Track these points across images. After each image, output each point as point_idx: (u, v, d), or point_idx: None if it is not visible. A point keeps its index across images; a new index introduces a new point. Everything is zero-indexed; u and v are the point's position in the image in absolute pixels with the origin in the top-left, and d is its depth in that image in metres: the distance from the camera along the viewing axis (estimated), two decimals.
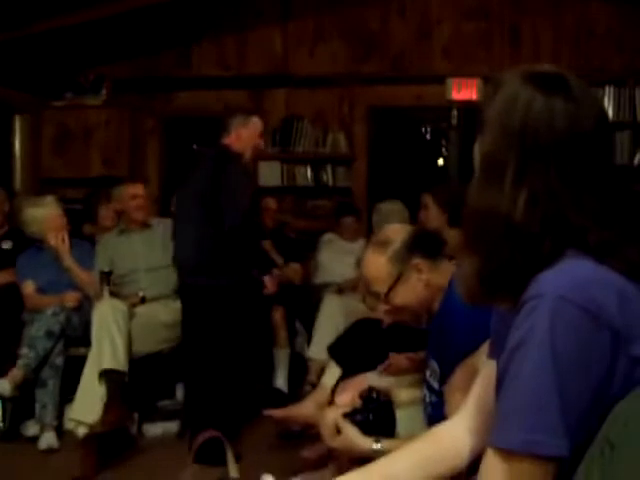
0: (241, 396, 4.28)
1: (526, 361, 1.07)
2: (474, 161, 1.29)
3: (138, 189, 4.77)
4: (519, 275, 1.16)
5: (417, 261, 2.32)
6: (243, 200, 4.02)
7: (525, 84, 1.22)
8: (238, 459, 3.01)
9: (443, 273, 2.31)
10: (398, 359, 2.89)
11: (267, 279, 4.42)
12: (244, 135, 4.25)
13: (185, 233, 4.20)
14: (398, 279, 2.33)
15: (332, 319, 4.62)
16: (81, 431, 4.02)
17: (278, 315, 5.04)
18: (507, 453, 1.08)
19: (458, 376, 2.04)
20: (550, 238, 1.16)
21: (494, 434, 1.11)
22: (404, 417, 2.50)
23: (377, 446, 1.97)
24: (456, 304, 2.06)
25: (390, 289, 2.34)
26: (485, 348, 1.86)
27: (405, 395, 2.60)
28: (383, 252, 2.35)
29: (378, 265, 2.36)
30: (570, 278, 1.10)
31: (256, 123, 4.33)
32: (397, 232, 2.42)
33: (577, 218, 1.16)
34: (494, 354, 1.39)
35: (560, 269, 1.12)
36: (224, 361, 4.06)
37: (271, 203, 5.63)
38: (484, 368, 1.46)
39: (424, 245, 2.37)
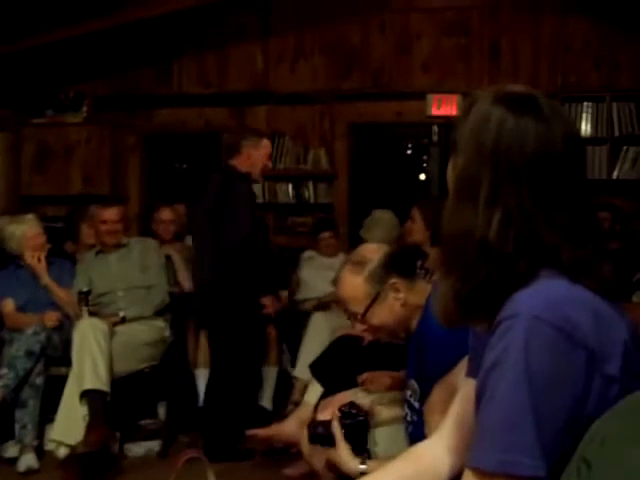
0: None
1: (501, 381, 1.08)
2: (448, 181, 1.30)
3: (109, 214, 4.67)
4: (495, 295, 1.17)
5: (394, 280, 2.32)
6: (244, 222, 4.13)
7: (497, 104, 1.23)
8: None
9: (420, 292, 2.32)
10: (379, 375, 2.89)
11: (266, 300, 4.45)
12: (254, 156, 4.38)
13: (197, 251, 4.45)
14: (375, 299, 2.33)
15: (318, 338, 4.59)
16: (62, 452, 3.99)
17: (272, 334, 5.02)
18: (483, 473, 1.07)
19: (436, 395, 2.04)
20: (524, 258, 1.16)
21: (471, 454, 1.11)
22: (385, 435, 2.49)
23: (363, 467, 1.96)
24: (433, 322, 2.06)
25: (367, 309, 2.34)
26: (463, 365, 1.87)
27: (386, 413, 2.59)
28: (359, 272, 2.35)
29: (355, 285, 2.35)
30: (544, 298, 1.11)
31: (267, 145, 4.51)
32: (373, 251, 2.42)
33: (550, 237, 1.17)
34: (472, 372, 1.39)
35: (534, 289, 1.13)
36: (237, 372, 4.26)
37: None
38: (463, 386, 1.46)
39: (401, 264, 2.37)
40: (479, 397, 1.13)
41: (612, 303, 1.14)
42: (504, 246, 1.16)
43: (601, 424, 0.94)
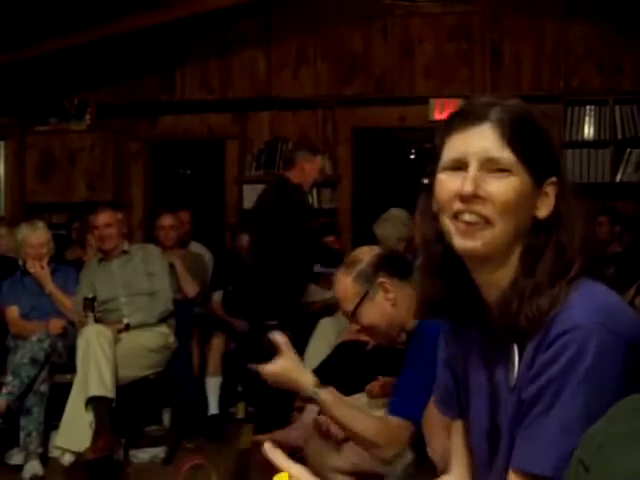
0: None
1: (565, 391, 1.11)
2: (509, 207, 1.24)
3: (99, 219, 4.64)
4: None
5: (382, 280, 2.35)
6: (297, 230, 4.53)
7: (536, 115, 1.25)
8: None
9: (411, 293, 2.33)
10: (388, 383, 2.90)
11: None
12: (307, 169, 4.71)
13: (253, 260, 4.81)
14: (364, 298, 2.36)
15: (324, 344, 4.59)
16: (67, 459, 3.99)
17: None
18: (535, 477, 1.13)
19: (434, 410, 2.04)
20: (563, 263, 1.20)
21: (525, 458, 1.15)
22: None
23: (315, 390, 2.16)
24: (431, 324, 2.10)
25: (356, 308, 2.37)
26: None
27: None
28: (350, 272, 2.39)
29: (345, 284, 2.39)
30: (598, 306, 1.14)
31: (319, 161, 4.89)
32: (365, 253, 2.45)
33: (576, 243, 1.21)
34: (452, 411, 1.43)
35: (583, 299, 1.15)
36: None
37: None
38: (455, 432, 1.46)
39: (391, 265, 2.40)
40: (532, 403, 1.16)
41: None
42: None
43: (598, 427, 0.95)
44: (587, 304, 1.14)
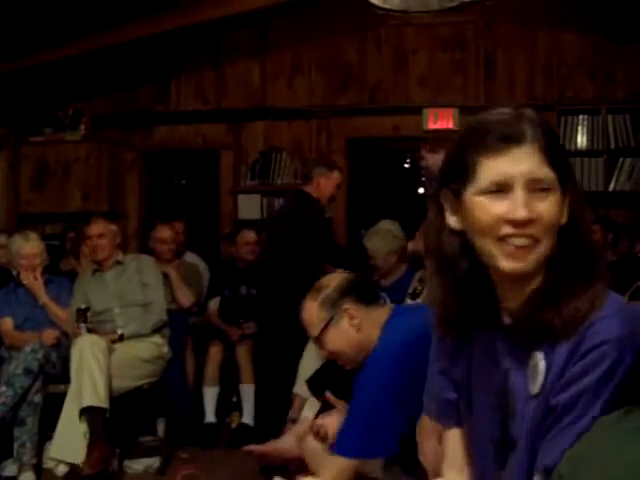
0: None
1: (597, 401, 1.13)
2: (542, 222, 1.26)
3: (91, 230, 4.66)
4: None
5: (347, 306, 2.37)
6: (314, 242, 4.66)
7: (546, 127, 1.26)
8: None
9: (377, 319, 2.36)
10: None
11: None
12: (323, 184, 4.83)
13: (269, 270, 4.88)
14: (328, 323, 2.38)
15: (318, 354, 4.60)
16: (61, 470, 3.99)
17: None
18: None
19: (427, 420, 2.04)
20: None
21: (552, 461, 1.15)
22: None
23: None
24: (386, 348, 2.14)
25: (321, 333, 2.39)
26: None
27: None
28: (316, 297, 2.44)
29: (310, 309, 2.46)
30: (631, 317, 1.16)
31: (336, 177, 4.94)
32: (333, 279, 2.51)
33: (592, 245, 1.24)
34: (450, 420, 1.43)
35: (617, 308, 1.17)
36: None
37: (249, 236, 5.59)
38: (450, 439, 1.46)
39: (358, 290, 2.41)
40: (562, 413, 1.16)
41: None
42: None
43: (579, 443, 0.97)
44: (622, 314, 1.15)
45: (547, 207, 1.19)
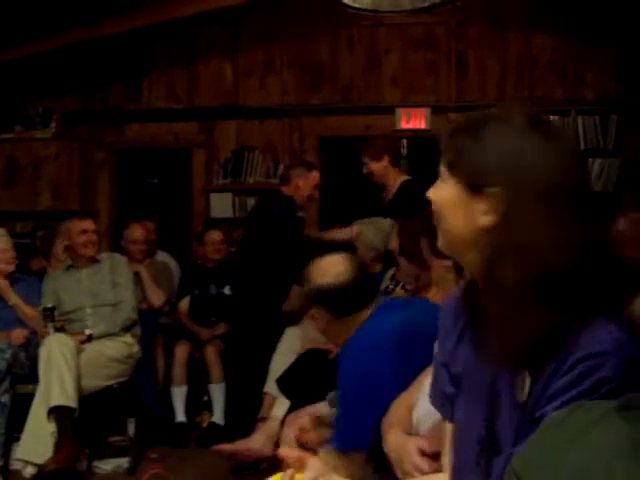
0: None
1: None
2: (435, 205, 1.29)
3: (87, 224, 4.69)
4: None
5: (313, 311, 2.41)
6: (279, 237, 4.64)
7: (527, 131, 1.22)
8: None
9: (343, 329, 2.38)
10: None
11: None
12: (301, 185, 4.84)
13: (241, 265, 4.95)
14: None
15: (290, 351, 4.60)
16: (28, 471, 3.95)
17: None
18: None
19: (393, 412, 2.06)
20: (582, 288, 1.16)
21: None
22: None
23: None
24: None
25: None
26: (418, 385, 1.90)
27: None
28: (302, 283, 2.47)
29: (296, 292, 2.52)
30: (616, 330, 1.14)
31: (314, 177, 4.93)
32: (323, 275, 2.44)
33: (594, 267, 1.17)
34: (446, 412, 1.44)
35: (597, 325, 1.14)
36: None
37: (215, 236, 5.56)
38: (448, 432, 1.46)
39: (330, 302, 2.40)
40: None
41: None
42: (566, 276, 1.16)
43: (534, 440, 0.97)
44: (607, 327, 1.14)
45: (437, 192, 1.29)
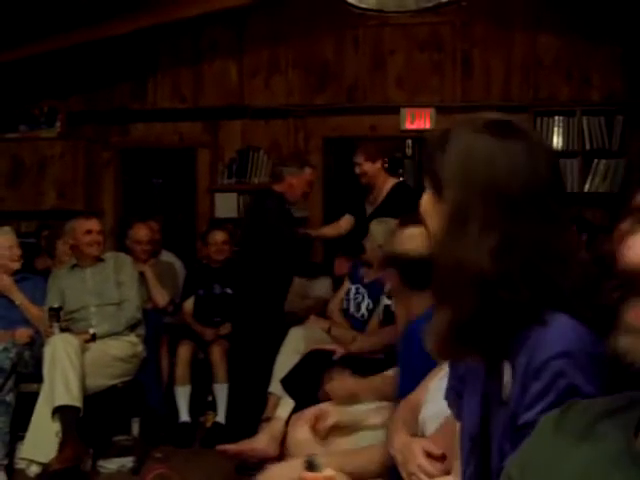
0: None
1: None
2: (426, 216, 1.31)
3: (92, 224, 4.69)
4: (495, 328, 1.18)
5: (390, 270, 2.45)
6: (271, 235, 4.60)
7: (479, 134, 1.23)
8: None
9: (417, 302, 2.36)
10: (342, 382, 2.93)
11: None
12: (295, 183, 4.75)
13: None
14: None
15: (295, 353, 4.59)
16: (33, 470, 3.95)
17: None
18: None
19: (400, 414, 2.06)
20: (525, 287, 1.17)
21: None
22: (369, 440, 2.52)
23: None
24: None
25: None
26: (425, 386, 1.90)
27: (372, 420, 2.63)
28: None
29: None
30: (579, 333, 1.15)
31: (308, 173, 4.83)
32: (411, 240, 2.44)
33: (547, 265, 1.18)
34: (455, 411, 1.45)
35: (559, 326, 1.15)
36: None
37: (218, 237, 5.54)
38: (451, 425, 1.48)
39: (406, 271, 2.41)
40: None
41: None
42: (501, 276, 1.17)
43: (525, 447, 0.98)
44: (568, 326, 1.15)
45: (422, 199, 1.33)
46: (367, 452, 2.35)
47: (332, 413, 2.65)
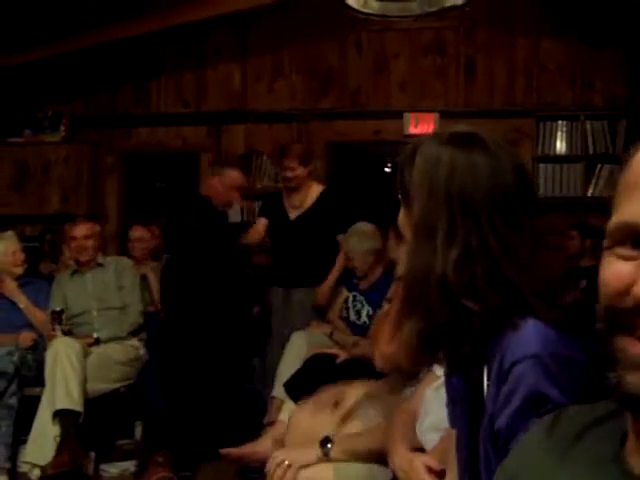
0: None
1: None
2: (401, 228, 1.34)
3: (77, 230, 4.63)
4: (461, 334, 1.19)
5: None
6: (194, 239, 4.44)
7: (443, 145, 1.26)
8: None
9: None
10: None
11: None
12: (215, 186, 4.59)
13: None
14: None
15: (296, 357, 4.58)
16: (35, 474, 3.95)
17: None
18: None
19: (397, 426, 2.06)
20: (492, 294, 1.18)
21: None
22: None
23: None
24: None
25: None
26: (420, 393, 1.90)
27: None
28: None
29: None
30: (546, 335, 1.14)
31: (231, 176, 4.63)
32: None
33: (511, 270, 1.19)
34: (453, 423, 1.44)
35: (528, 329, 1.16)
36: None
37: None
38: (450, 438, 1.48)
39: None
40: (508, 437, 1.15)
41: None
42: (466, 285, 1.18)
43: (513, 456, 0.98)
44: (534, 329, 1.15)
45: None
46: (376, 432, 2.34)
47: (351, 395, 2.64)
